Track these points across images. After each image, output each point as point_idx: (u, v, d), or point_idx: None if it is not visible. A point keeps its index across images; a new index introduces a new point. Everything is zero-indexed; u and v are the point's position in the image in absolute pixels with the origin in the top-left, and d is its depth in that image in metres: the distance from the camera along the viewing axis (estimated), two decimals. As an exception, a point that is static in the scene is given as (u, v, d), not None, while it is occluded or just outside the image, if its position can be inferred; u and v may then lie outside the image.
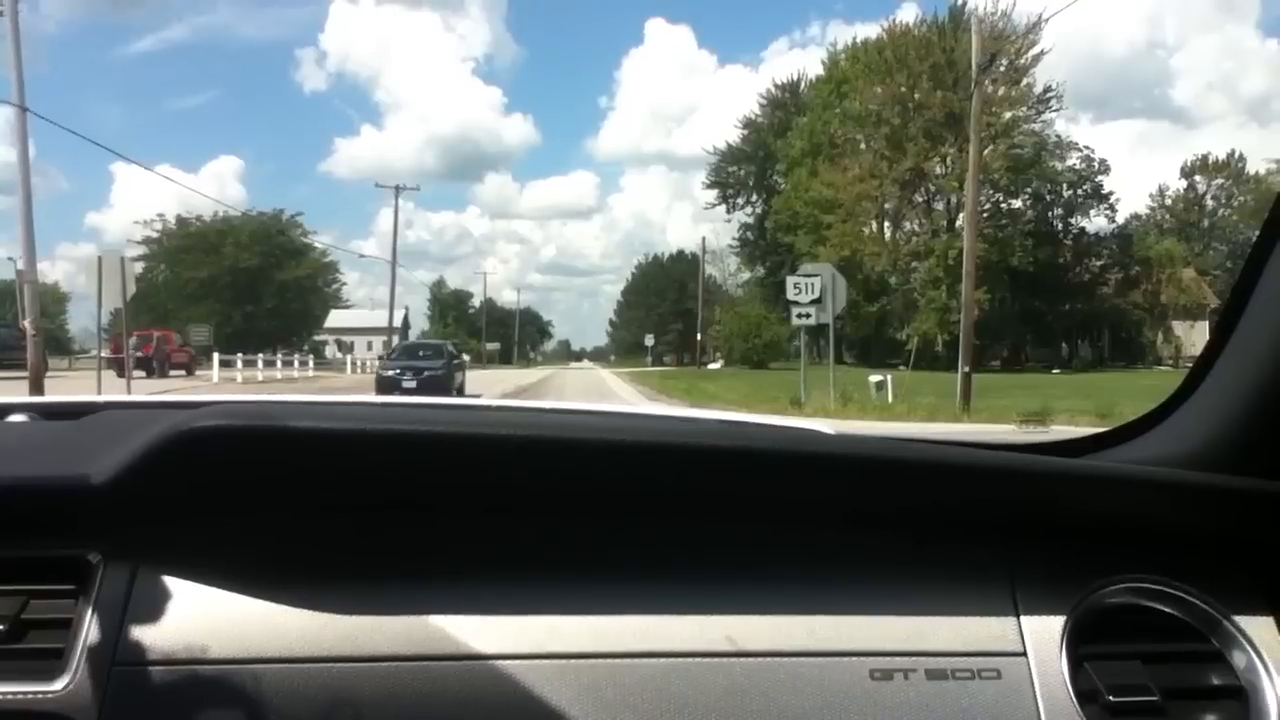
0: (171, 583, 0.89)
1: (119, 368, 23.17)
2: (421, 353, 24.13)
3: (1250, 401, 1.03)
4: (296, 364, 40.87)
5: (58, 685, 0.82)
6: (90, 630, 0.85)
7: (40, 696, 0.82)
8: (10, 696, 0.82)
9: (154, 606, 0.87)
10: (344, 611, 0.88)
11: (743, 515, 0.99)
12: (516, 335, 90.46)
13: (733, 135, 63.89)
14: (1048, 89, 43.99)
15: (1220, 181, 60.50)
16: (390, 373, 21.94)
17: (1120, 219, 49.13)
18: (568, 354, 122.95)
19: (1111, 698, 0.91)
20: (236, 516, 0.93)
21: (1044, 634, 0.95)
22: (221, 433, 0.85)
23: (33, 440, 1.14)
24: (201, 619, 0.87)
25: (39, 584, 0.87)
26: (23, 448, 1.09)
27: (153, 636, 0.85)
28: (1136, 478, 1.03)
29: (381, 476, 0.92)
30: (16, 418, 1.26)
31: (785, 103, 60.25)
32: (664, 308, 77.99)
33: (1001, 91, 40.73)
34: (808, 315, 16.76)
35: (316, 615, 0.88)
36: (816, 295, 16.50)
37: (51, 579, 0.88)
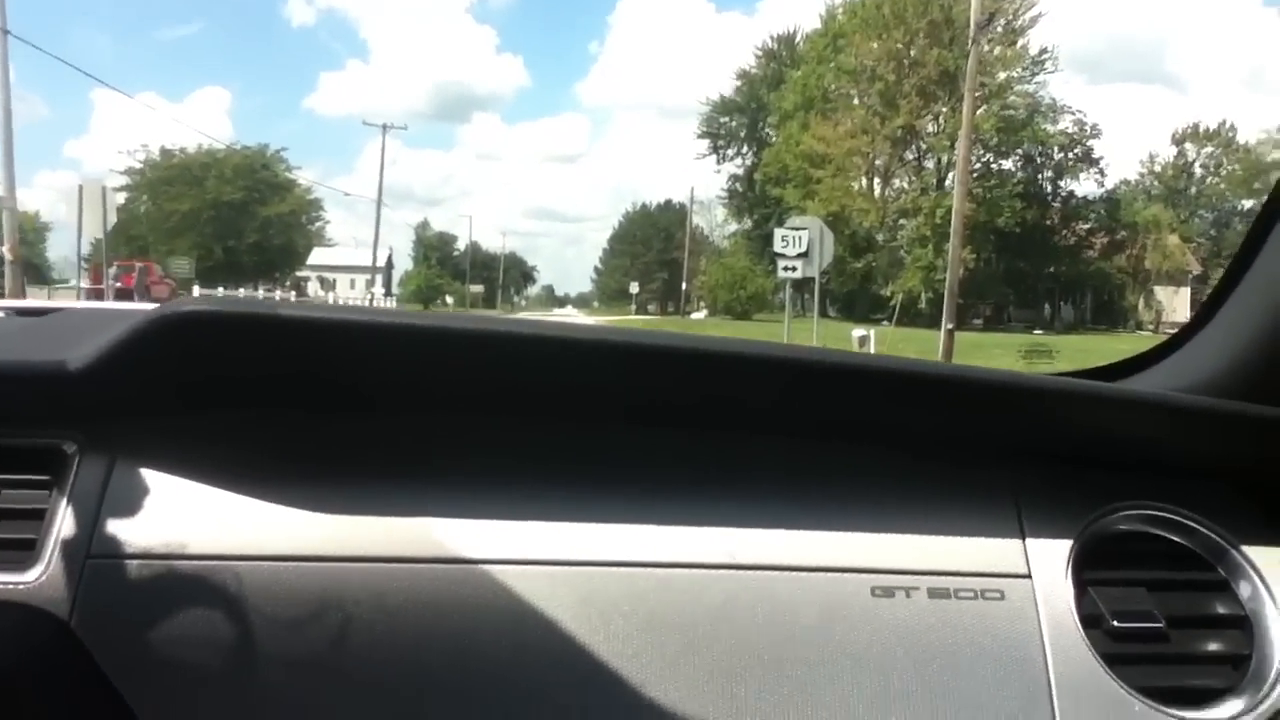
0: (150, 476, 0.86)
1: (98, 298, 22.90)
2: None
3: (1264, 331, 1.01)
4: (278, 298, 40.60)
5: (30, 576, 0.81)
6: (64, 521, 0.83)
7: (12, 587, 0.80)
8: None
9: (131, 500, 0.85)
10: (331, 511, 0.86)
11: (745, 426, 0.97)
12: (501, 279, 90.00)
13: (726, 86, 63.35)
14: (1043, 51, 43.64)
15: (1210, 150, 60.27)
16: None
17: (1109, 183, 49.07)
18: (552, 299, 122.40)
19: (1116, 623, 0.91)
20: (220, 410, 0.90)
21: (1049, 557, 0.94)
22: (207, 318, 0.80)
23: (5, 329, 1.11)
24: (181, 514, 0.84)
25: (12, 473, 0.85)
26: None
27: (129, 530, 0.83)
28: (1146, 399, 1.02)
29: (374, 371, 0.90)
30: None
31: (780, 55, 59.56)
32: (649, 256, 77.53)
33: (997, 52, 40.36)
34: (794, 268, 16.70)
35: (302, 513, 0.86)
36: (804, 249, 16.44)
37: (25, 468, 0.86)
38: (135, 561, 0.82)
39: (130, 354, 0.82)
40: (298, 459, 0.90)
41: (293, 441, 0.91)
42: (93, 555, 0.82)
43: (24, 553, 0.82)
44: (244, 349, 0.85)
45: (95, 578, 0.81)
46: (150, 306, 1.15)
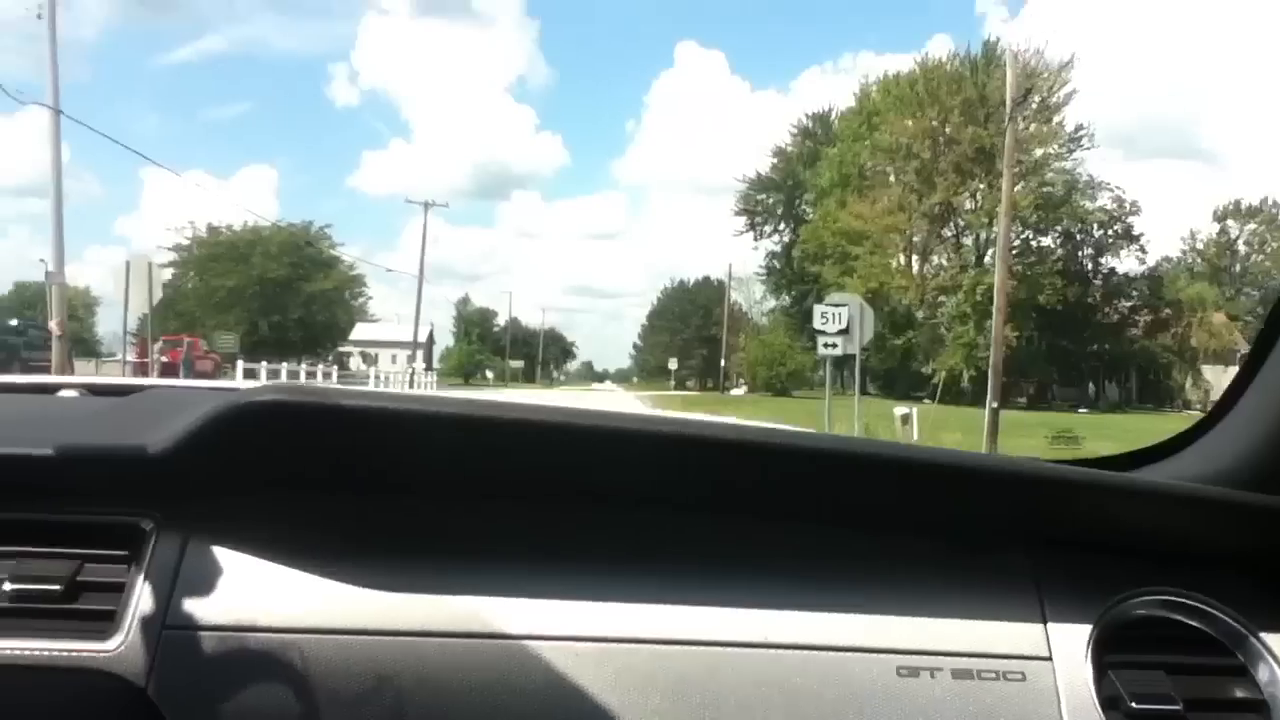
0: (221, 553, 0.92)
1: (143, 372, 23.22)
2: None
3: None
4: (320, 374, 40.97)
5: (110, 645, 0.86)
6: (142, 595, 0.89)
7: (94, 655, 0.86)
8: (65, 653, 0.86)
9: (204, 575, 0.90)
10: (389, 588, 0.91)
11: (773, 513, 1.01)
12: (540, 355, 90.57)
13: (762, 163, 64.01)
14: (1079, 127, 43.79)
15: (1253, 227, 59.91)
16: None
17: (1151, 260, 48.68)
18: (591, 375, 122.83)
19: (1135, 705, 0.93)
20: (288, 491, 0.96)
21: (1070, 640, 0.96)
22: (279, 407, 0.88)
23: (86, 412, 1.14)
24: (250, 589, 0.90)
25: (94, 549, 0.91)
26: (77, 418, 1.10)
27: (203, 604, 0.89)
28: (1167, 491, 1.03)
29: (431, 456, 0.96)
30: (67, 393, 1.26)
31: (815, 133, 60.26)
32: (688, 333, 77.74)
33: (1033, 128, 40.56)
34: (834, 345, 16.56)
35: (361, 590, 0.90)
36: (844, 325, 16.31)
37: (106, 544, 0.92)
38: (208, 633, 0.87)
39: (206, 440, 0.89)
40: (356, 537, 0.95)
41: (351, 520, 0.97)
42: (168, 626, 0.87)
43: (105, 623, 0.88)
44: (311, 436, 0.92)
45: (171, 648, 0.86)
46: (220, 385, 1.23)
